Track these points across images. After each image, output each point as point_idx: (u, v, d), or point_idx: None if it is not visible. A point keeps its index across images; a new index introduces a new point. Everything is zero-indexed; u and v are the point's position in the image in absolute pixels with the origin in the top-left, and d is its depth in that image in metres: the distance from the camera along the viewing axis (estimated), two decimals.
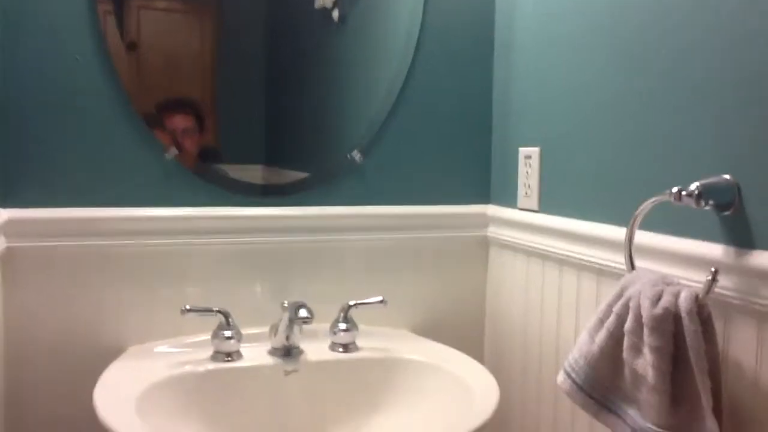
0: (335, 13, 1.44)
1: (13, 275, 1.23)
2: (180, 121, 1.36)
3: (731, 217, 0.91)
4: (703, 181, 0.91)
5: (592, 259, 1.18)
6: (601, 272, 1.16)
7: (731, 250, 0.90)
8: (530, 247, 1.37)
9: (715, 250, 0.92)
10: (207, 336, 1.26)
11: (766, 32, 0.86)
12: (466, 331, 1.53)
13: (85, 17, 1.26)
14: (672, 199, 0.91)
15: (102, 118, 1.28)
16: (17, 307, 1.24)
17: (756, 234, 0.88)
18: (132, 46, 1.31)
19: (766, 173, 0.87)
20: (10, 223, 1.21)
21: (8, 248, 1.22)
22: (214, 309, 1.25)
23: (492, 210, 1.52)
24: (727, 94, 0.92)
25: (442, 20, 1.49)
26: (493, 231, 1.52)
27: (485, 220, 1.53)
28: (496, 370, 1.40)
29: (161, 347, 1.29)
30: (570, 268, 1.25)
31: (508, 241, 1.45)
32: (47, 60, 1.24)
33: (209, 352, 1.25)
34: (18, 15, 1.22)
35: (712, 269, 0.86)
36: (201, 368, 1.21)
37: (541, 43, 1.36)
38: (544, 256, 1.33)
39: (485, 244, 1.54)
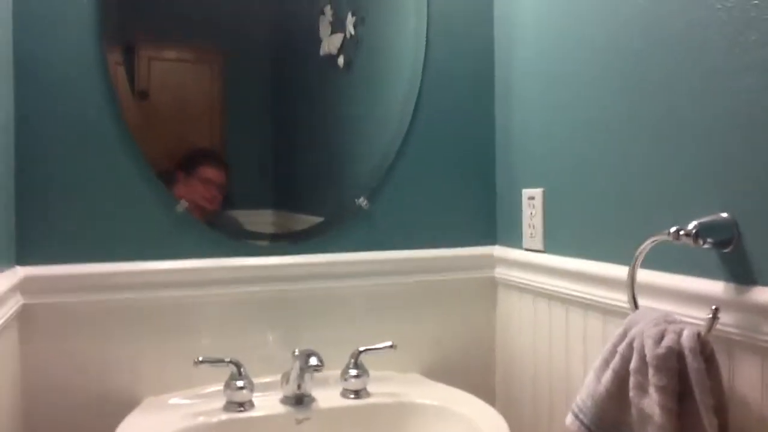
0: (340, 60, 1.49)
1: (30, 331, 1.26)
2: (212, 173, 1.40)
3: (731, 254, 0.93)
4: (701, 220, 0.93)
5: (598, 299, 1.19)
6: (607, 311, 1.17)
7: (732, 286, 0.92)
8: (537, 287, 1.38)
9: (715, 287, 0.94)
10: (219, 386, 1.27)
11: (760, 66, 0.89)
12: (476, 372, 1.54)
13: (95, 68, 1.30)
14: (671, 238, 0.92)
15: (113, 171, 1.31)
16: (34, 362, 1.26)
17: (756, 270, 0.89)
18: (142, 96, 1.35)
19: (763, 210, 0.88)
20: (27, 280, 1.24)
21: (24, 305, 1.24)
22: (226, 359, 1.26)
23: (498, 251, 1.54)
24: (723, 133, 0.94)
25: (444, 66, 1.53)
26: (500, 272, 1.53)
27: (492, 261, 1.55)
28: (507, 411, 1.40)
29: (175, 399, 1.30)
30: (576, 308, 1.26)
31: (515, 281, 1.47)
32: (59, 114, 1.28)
33: (222, 402, 1.26)
34: (30, 68, 1.26)
35: (713, 307, 0.87)
36: (215, 419, 1.22)
37: (540, 86, 1.39)
38: (551, 296, 1.34)
39: (493, 285, 1.56)
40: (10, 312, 1.15)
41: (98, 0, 1.30)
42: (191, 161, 1.40)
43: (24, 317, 1.25)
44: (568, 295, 1.28)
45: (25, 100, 1.26)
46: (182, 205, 1.35)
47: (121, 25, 1.32)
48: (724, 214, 0.93)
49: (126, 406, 1.27)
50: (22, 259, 1.26)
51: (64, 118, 1.29)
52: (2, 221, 1.17)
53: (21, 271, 1.24)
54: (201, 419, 1.21)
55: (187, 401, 1.29)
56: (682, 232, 0.91)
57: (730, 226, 0.92)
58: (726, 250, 0.93)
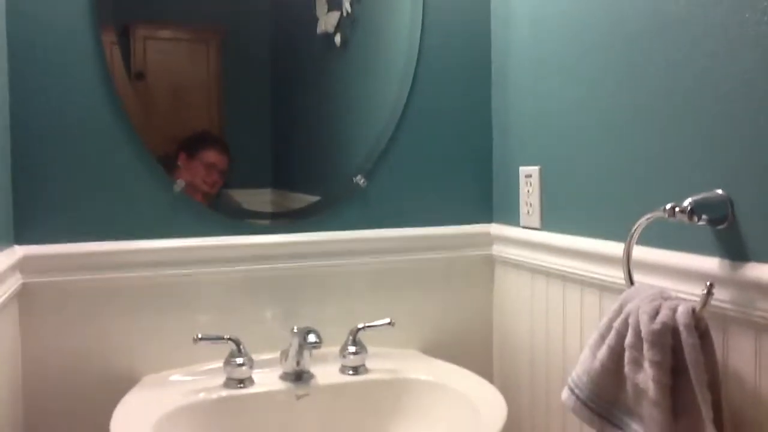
0: (337, 38, 1.48)
1: (30, 310, 1.26)
2: (215, 157, 1.40)
3: (725, 231, 0.93)
4: (696, 197, 0.93)
5: (594, 275, 1.20)
6: (603, 288, 1.18)
7: (726, 263, 0.92)
8: (534, 264, 1.39)
9: (710, 263, 0.94)
10: (219, 363, 1.28)
11: (759, 45, 0.89)
12: (474, 349, 1.55)
13: (90, 49, 1.30)
14: (666, 215, 0.93)
15: (110, 151, 1.32)
16: (34, 341, 1.27)
17: (750, 247, 0.90)
18: (139, 77, 1.35)
19: (757, 187, 0.89)
20: (26, 260, 1.25)
21: (24, 284, 1.25)
22: (226, 337, 1.27)
23: (495, 229, 1.55)
24: (717, 110, 0.95)
25: (440, 44, 1.53)
26: (497, 249, 1.54)
27: (489, 239, 1.56)
28: (504, 388, 1.42)
29: (175, 376, 1.31)
30: (573, 285, 1.27)
31: (512, 259, 1.47)
32: (55, 95, 1.28)
33: (222, 379, 1.27)
34: (24, 49, 1.26)
35: (708, 283, 0.88)
36: (214, 395, 1.23)
37: (536, 63, 1.39)
38: (548, 273, 1.35)
39: (490, 262, 1.57)
40: (10, 291, 1.16)
41: None
42: (194, 144, 1.40)
43: (24, 296, 1.25)
44: (565, 272, 1.28)
45: (21, 81, 1.26)
46: (179, 184, 1.35)
47: (116, 3, 1.31)
48: (719, 191, 0.94)
49: (126, 383, 1.28)
50: (21, 239, 1.27)
51: (60, 99, 1.28)
52: (0, 201, 1.17)
53: (20, 251, 1.25)
54: (201, 395, 1.22)
55: (188, 378, 1.30)
56: (677, 209, 0.91)
57: (725, 202, 0.93)
58: (721, 227, 0.94)
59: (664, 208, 0.93)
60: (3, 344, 1.13)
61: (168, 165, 1.36)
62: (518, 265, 1.46)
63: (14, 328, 1.23)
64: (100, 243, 1.30)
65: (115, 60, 1.32)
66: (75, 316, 1.29)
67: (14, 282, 1.20)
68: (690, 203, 0.92)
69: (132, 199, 1.33)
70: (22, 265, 1.24)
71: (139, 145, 1.33)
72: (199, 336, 1.26)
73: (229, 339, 1.27)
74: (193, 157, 1.39)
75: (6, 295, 1.12)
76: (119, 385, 1.27)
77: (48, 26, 1.27)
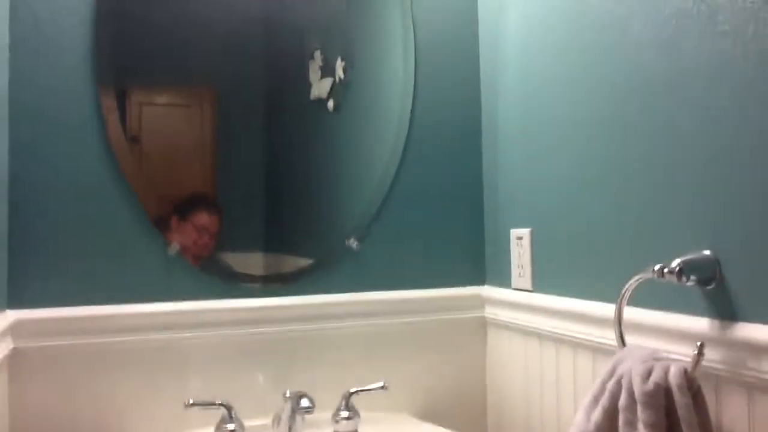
0: (330, 104, 1.51)
1: (20, 375, 1.25)
2: (206, 220, 1.42)
3: (714, 291, 0.95)
4: (684, 258, 0.95)
5: (587, 337, 1.20)
6: (596, 349, 1.18)
7: (716, 323, 0.93)
8: (526, 326, 1.39)
9: (700, 323, 0.95)
10: (210, 429, 1.26)
11: (740, 107, 0.92)
12: (467, 412, 1.54)
13: (89, 113, 1.32)
14: (655, 276, 0.94)
15: (106, 214, 1.33)
16: (24, 405, 1.25)
17: (738, 306, 0.91)
18: (134, 140, 1.36)
19: (743, 247, 0.91)
20: (17, 324, 1.24)
21: (15, 349, 1.24)
22: (217, 402, 1.26)
23: (487, 291, 1.55)
24: (702, 173, 0.97)
25: (431, 109, 1.57)
26: (489, 312, 1.54)
27: (481, 302, 1.56)
28: None
29: None
30: (566, 347, 1.27)
31: (505, 321, 1.48)
32: (53, 158, 1.30)
33: None
34: (25, 112, 1.28)
35: (698, 343, 0.89)
36: None
37: (525, 128, 1.43)
38: (541, 335, 1.35)
39: (483, 324, 1.57)
40: (1, 356, 1.15)
41: (93, 47, 1.33)
42: (185, 207, 1.41)
43: (14, 361, 1.24)
44: (557, 333, 1.29)
45: (20, 144, 1.28)
46: (174, 247, 1.36)
47: (114, 71, 1.34)
48: (707, 252, 0.95)
49: None
50: (13, 303, 1.26)
51: (58, 161, 1.30)
52: None
53: (12, 315, 1.24)
54: None
55: None
56: (666, 270, 0.93)
57: (713, 263, 0.94)
58: (709, 287, 0.95)
59: (653, 269, 0.95)
60: None
61: (162, 227, 1.37)
62: (511, 328, 1.46)
63: (3, 393, 1.21)
64: (94, 307, 1.30)
65: (112, 124, 1.34)
66: (66, 380, 1.28)
67: (5, 347, 1.19)
68: (678, 264, 0.93)
69: (127, 262, 1.34)
70: (13, 330, 1.24)
71: (135, 208, 1.34)
72: (191, 401, 1.24)
73: (221, 404, 1.26)
74: (185, 219, 1.40)
75: None
76: None
77: (49, 90, 1.30)
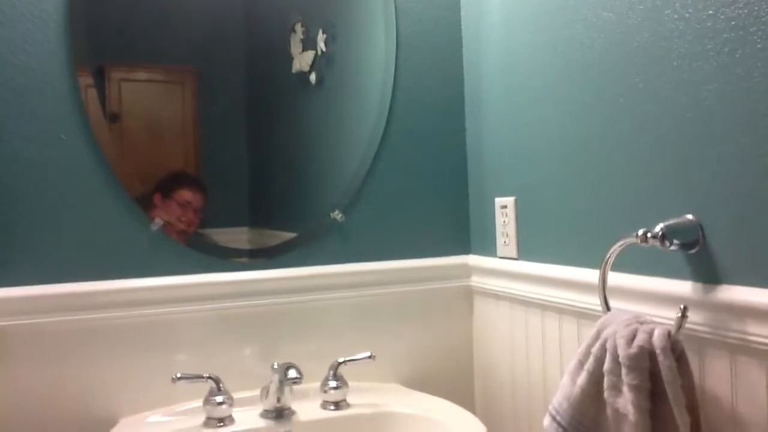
0: (312, 77, 1.50)
1: (4, 353, 1.24)
2: (190, 196, 1.41)
3: (697, 255, 0.95)
4: (667, 223, 0.95)
5: (572, 303, 1.21)
6: (581, 314, 1.19)
7: (699, 286, 0.94)
8: (512, 294, 1.40)
9: (683, 287, 0.96)
10: (199, 402, 1.27)
11: (719, 75, 0.92)
12: (455, 380, 1.55)
13: (66, 91, 1.30)
14: (639, 241, 0.95)
15: (86, 191, 1.31)
16: (8, 384, 1.24)
17: (721, 270, 0.92)
18: (114, 118, 1.35)
19: (726, 211, 0.91)
20: (1, 302, 1.23)
21: None
22: (205, 375, 1.26)
23: (473, 260, 1.56)
24: (684, 137, 0.97)
25: (414, 79, 1.56)
26: (475, 280, 1.55)
27: (467, 271, 1.57)
28: (487, 418, 1.42)
29: (153, 417, 1.29)
30: (551, 313, 1.28)
31: (491, 289, 1.48)
32: (31, 137, 1.27)
33: (202, 418, 1.25)
34: (2, 92, 1.26)
35: (682, 306, 0.89)
36: None
37: (509, 96, 1.42)
38: (526, 303, 1.36)
39: (469, 293, 1.57)
40: None
41: (67, 23, 1.30)
42: (169, 184, 1.40)
43: None
44: (543, 300, 1.30)
45: None
46: (156, 223, 1.35)
47: (91, 47, 1.32)
48: (690, 216, 0.96)
49: (105, 426, 1.26)
50: None
51: (37, 141, 1.28)
52: None
53: None
54: None
55: (166, 419, 1.28)
56: (649, 235, 0.93)
57: (696, 227, 0.95)
58: (692, 251, 0.96)
59: (637, 234, 0.95)
60: None
61: (145, 205, 1.35)
62: (497, 296, 1.47)
63: None
64: (77, 284, 1.29)
65: (90, 102, 1.32)
66: (50, 358, 1.27)
67: None
68: (661, 229, 0.94)
69: (109, 239, 1.32)
70: None
71: (115, 186, 1.33)
72: (178, 375, 1.24)
73: (209, 377, 1.26)
74: (169, 196, 1.39)
75: None
76: (98, 428, 1.25)
77: (24, 69, 1.27)
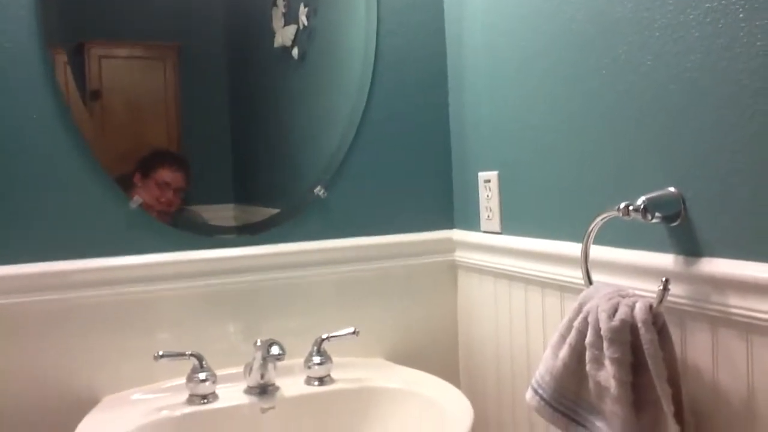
0: (294, 51, 1.48)
1: None
2: (169, 176, 1.38)
3: (679, 228, 0.95)
4: (649, 195, 0.95)
5: (555, 277, 1.21)
6: (564, 288, 1.19)
7: (681, 259, 0.94)
8: (496, 268, 1.40)
9: (665, 260, 0.96)
10: (182, 380, 1.26)
11: (702, 45, 0.91)
12: (439, 354, 1.55)
13: (39, 69, 1.27)
14: (621, 214, 0.94)
15: (64, 171, 1.29)
16: None
17: (702, 243, 0.92)
18: (94, 96, 1.33)
19: (708, 184, 0.91)
20: None
21: None
22: (187, 353, 1.25)
23: (457, 234, 1.55)
24: (666, 109, 0.97)
25: (396, 53, 1.54)
26: (459, 255, 1.55)
27: (451, 245, 1.56)
28: (471, 392, 1.42)
29: (137, 394, 1.29)
30: (534, 287, 1.28)
31: (475, 264, 1.48)
32: (4, 116, 1.25)
33: (185, 395, 1.25)
34: None
35: (663, 279, 0.89)
36: (177, 412, 1.21)
37: (490, 70, 1.41)
38: (510, 277, 1.36)
39: (453, 268, 1.57)
40: None
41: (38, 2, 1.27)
42: (148, 164, 1.37)
43: None
44: (526, 274, 1.30)
45: None
46: (135, 201, 1.33)
47: (67, 23, 1.29)
48: (671, 189, 0.96)
49: (86, 405, 1.26)
50: None
51: (11, 119, 1.25)
52: None
53: None
54: (164, 413, 1.20)
55: (149, 396, 1.28)
56: (631, 208, 0.93)
57: (677, 200, 0.95)
58: (674, 224, 0.95)
59: (618, 207, 0.94)
60: None
61: (126, 185, 1.34)
62: (481, 270, 1.47)
63: None
64: (56, 263, 1.27)
65: (68, 79, 1.30)
66: (29, 338, 1.26)
67: None
68: (643, 201, 0.93)
69: (88, 218, 1.30)
70: None
71: (94, 165, 1.31)
72: (160, 353, 1.24)
73: (191, 355, 1.26)
74: (148, 176, 1.37)
75: None
76: (79, 407, 1.24)
77: None
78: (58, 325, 1.27)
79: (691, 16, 0.91)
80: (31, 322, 1.26)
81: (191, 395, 1.25)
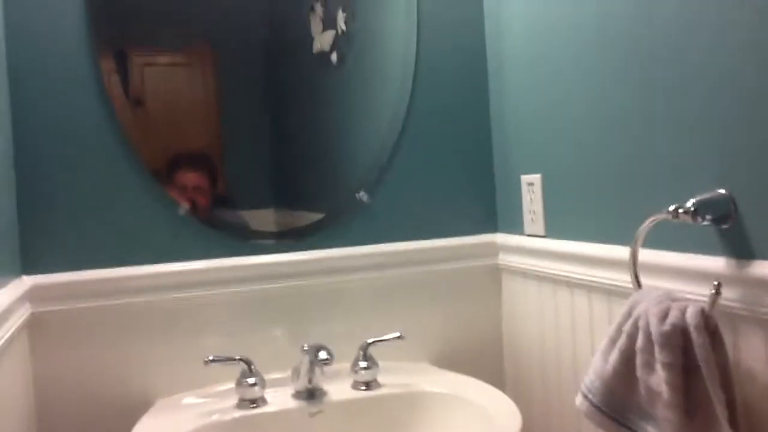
0: (333, 56, 1.49)
1: (40, 339, 1.27)
2: (192, 179, 1.41)
3: (729, 230, 0.94)
4: (699, 197, 0.94)
5: (602, 280, 1.20)
6: (611, 292, 1.18)
7: (732, 262, 0.93)
8: (540, 272, 1.39)
9: (716, 263, 0.95)
10: (231, 384, 1.28)
11: (750, 42, 0.90)
12: (484, 359, 1.55)
13: (89, 76, 1.32)
14: (670, 216, 0.93)
15: (113, 177, 1.33)
16: (45, 370, 1.27)
17: (755, 245, 0.90)
18: (137, 102, 1.36)
19: (759, 185, 0.89)
20: (34, 289, 1.26)
21: (33, 314, 1.26)
22: (237, 357, 1.27)
23: (500, 238, 1.55)
24: (716, 109, 0.95)
25: (436, 56, 1.54)
26: (503, 259, 1.54)
27: (495, 249, 1.56)
28: (517, 396, 1.42)
29: (188, 398, 1.32)
30: (580, 291, 1.27)
31: (519, 267, 1.48)
32: (57, 124, 1.30)
33: (234, 400, 1.27)
34: (25, 81, 1.28)
35: (715, 282, 0.88)
36: (228, 417, 1.23)
37: (533, 73, 1.40)
38: (555, 280, 1.35)
39: (497, 272, 1.57)
40: (20, 321, 1.16)
41: (89, 10, 1.31)
42: (170, 168, 1.40)
43: (33, 326, 1.26)
44: (571, 278, 1.29)
45: (22, 112, 1.28)
46: (183, 208, 1.36)
47: (113, 33, 1.33)
48: (721, 191, 0.94)
49: (139, 408, 1.28)
50: (28, 269, 1.28)
51: (62, 129, 1.30)
52: (6, 232, 1.18)
53: (28, 281, 1.26)
54: (215, 417, 1.22)
55: (200, 400, 1.30)
56: (680, 210, 0.92)
57: (728, 202, 0.93)
58: (724, 226, 0.94)
59: (668, 209, 0.93)
60: (15, 375, 1.14)
61: (170, 188, 1.37)
62: (525, 274, 1.46)
63: (25, 358, 1.23)
64: (106, 270, 1.31)
65: (114, 86, 1.33)
66: (85, 343, 1.30)
67: (23, 312, 1.21)
68: (693, 204, 0.92)
69: (136, 223, 1.34)
70: (30, 295, 1.25)
71: (141, 170, 1.34)
72: (210, 358, 1.26)
73: (240, 359, 1.28)
74: (172, 181, 1.39)
75: (16, 326, 1.12)
76: (133, 410, 1.28)
77: (48, 57, 1.29)
78: (111, 330, 1.31)
79: (740, 14, 0.90)
80: (85, 328, 1.30)
81: (241, 399, 1.27)
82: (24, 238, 1.27)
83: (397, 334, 1.36)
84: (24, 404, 1.19)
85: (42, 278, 1.28)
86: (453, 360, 1.50)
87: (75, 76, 1.31)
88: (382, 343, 1.36)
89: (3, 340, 1.01)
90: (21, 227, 1.27)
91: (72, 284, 1.29)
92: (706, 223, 0.94)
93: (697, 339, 0.87)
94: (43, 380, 1.27)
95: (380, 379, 1.35)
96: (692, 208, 0.91)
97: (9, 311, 1.08)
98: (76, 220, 1.31)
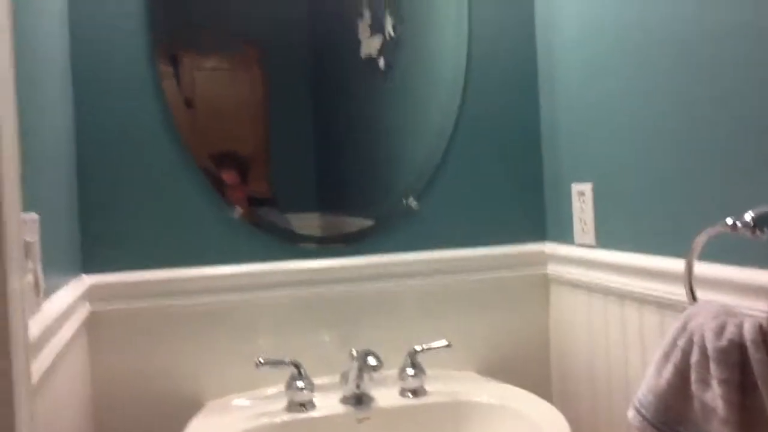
0: (381, 62, 1.50)
1: (98, 338, 1.31)
2: (234, 178, 1.43)
3: None
4: (758, 210, 0.92)
5: (654, 293, 1.18)
6: (663, 305, 1.17)
7: None
8: (590, 282, 1.38)
9: None
10: (280, 387, 1.30)
11: None
12: (531, 369, 1.54)
13: (149, 81, 1.36)
14: (728, 229, 0.92)
15: (169, 179, 1.37)
16: (103, 368, 1.31)
17: None
18: (188, 105, 1.39)
19: None
20: (93, 288, 1.29)
21: (92, 313, 1.29)
22: (286, 360, 1.29)
23: (550, 248, 1.54)
24: None
25: (486, 63, 1.54)
26: (552, 268, 1.53)
27: (544, 258, 1.55)
28: (564, 408, 1.40)
29: (238, 400, 1.34)
30: (631, 302, 1.26)
31: (568, 278, 1.47)
32: (117, 127, 1.34)
33: (283, 403, 1.29)
34: (88, 86, 1.32)
35: None
36: (278, 419, 1.25)
37: (585, 81, 1.39)
38: (605, 292, 1.34)
39: (545, 281, 1.56)
40: (80, 320, 1.20)
41: (147, 13, 1.35)
42: (219, 169, 1.41)
43: (92, 324, 1.30)
44: (623, 289, 1.27)
45: (84, 116, 1.32)
46: (237, 211, 1.39)
47: (167, 36, 1.37)
48: None
49: (191, 408, 1.31)
50: (88, 268, 1.31)
51: (122, 132, 1.34)
52: (68, 231, 1.22)
53: (87, 280, 1.29)
54: (265, 420, 1.24)
55: (250, 402, 1.33)
56: (739, 224, 0.90)
57: None
58: None
59: (726, 222, 0.92)
60: (74, 371, 1.17)
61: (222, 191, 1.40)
62: (574, 284, 1.45)
63: (84, 356, 1.27)
64: (163, 270, 1.34)
65: (170, 89, 1.37)
66: (141, 342, 1.33)
67: (84, 311, 1.25)
68: (752, 217, 0.91)
69: (191, 225, 1.37)
70: (90, 294, 1.29)
71: (197, 173, 1.37)
72: (261, 361, 1.28)
73: (290, 363, 1.29)
74: (222, 181, 1.41)
75: (77, 324, 1.16)
76: (185, 410, 1.31)
77: (109, 63, 1.33)
78: (166, 330, 1.34)
79: None
80: (141, 328, 1.33)
81: (290, 403, 1.28)
82: (84, 237, 1.32)
83: (445, 343, 1.36)
84: (83, 399, 1.22)
85: (101, 277, 1.31)
86: (499, 369, 1.50)
87: (135, 81, 1.35)
88: (429, 351, 1.36)
89: (66, 339, 1.04)
90: (82, 226, 1.31)
91: (129, 284, 1.32)
92: (765, 236, 0.92)
93: (754, 355, 0.85)
94: (100, 378, 1.31)
95: (427, 386, 1.35)
96: (752, 222, 0.90)
97: (71, 309, 1.12)
98: (135, 220, 1.34)
